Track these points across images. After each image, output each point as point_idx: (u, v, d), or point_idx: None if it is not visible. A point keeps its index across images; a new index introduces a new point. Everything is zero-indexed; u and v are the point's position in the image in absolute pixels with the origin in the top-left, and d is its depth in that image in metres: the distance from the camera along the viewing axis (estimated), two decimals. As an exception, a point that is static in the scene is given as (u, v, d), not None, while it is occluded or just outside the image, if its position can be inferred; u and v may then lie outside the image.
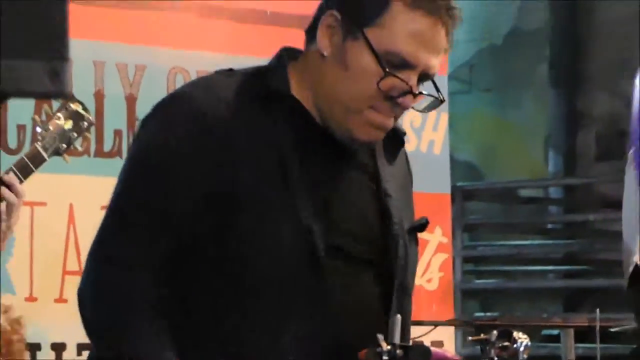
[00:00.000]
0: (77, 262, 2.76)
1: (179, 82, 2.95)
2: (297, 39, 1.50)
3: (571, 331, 3.79)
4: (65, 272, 2.85)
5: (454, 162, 4.32)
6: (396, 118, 1.42)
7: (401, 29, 1.34)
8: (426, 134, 3.52)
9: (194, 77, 2.89)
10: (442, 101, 1.45)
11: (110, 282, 1.34)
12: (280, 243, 1.34)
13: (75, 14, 1.41)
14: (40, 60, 0.76)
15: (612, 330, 3.44)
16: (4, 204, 2.02)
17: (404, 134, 1.55)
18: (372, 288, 1.41)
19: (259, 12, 3.24)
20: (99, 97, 2.98)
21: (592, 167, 6.52)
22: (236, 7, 3.25)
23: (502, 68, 6.67)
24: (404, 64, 1.34)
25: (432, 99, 1.44)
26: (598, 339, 3.15)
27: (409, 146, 2.55)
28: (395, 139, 1.49)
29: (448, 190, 3.71)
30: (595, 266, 6.35)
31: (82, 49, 2.75)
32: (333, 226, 1.38)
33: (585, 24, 6.54)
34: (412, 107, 1.41)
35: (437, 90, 1.43)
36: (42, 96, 0.83)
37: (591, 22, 6.49)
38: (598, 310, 3.11)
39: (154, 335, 1.31)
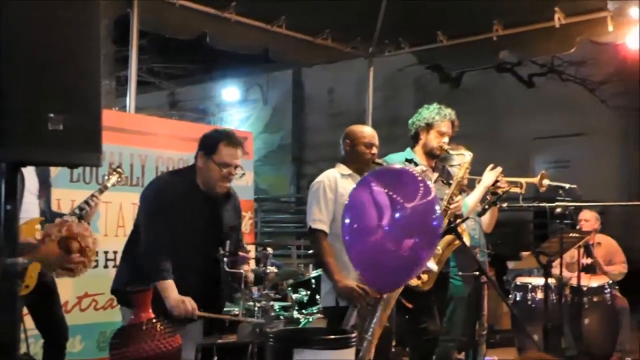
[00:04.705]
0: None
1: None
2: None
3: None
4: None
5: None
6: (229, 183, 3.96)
7: (224, 153, 3.85)
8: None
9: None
10: (243, 174, 4.04)
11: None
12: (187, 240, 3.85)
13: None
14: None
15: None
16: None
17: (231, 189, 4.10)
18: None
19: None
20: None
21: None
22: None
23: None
24: (228, 165, 3.85)
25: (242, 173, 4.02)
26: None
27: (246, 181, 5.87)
28: (228, 192, 4.06)
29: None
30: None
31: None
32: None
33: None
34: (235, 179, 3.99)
35: (242, 169, 3.97)
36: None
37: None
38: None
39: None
